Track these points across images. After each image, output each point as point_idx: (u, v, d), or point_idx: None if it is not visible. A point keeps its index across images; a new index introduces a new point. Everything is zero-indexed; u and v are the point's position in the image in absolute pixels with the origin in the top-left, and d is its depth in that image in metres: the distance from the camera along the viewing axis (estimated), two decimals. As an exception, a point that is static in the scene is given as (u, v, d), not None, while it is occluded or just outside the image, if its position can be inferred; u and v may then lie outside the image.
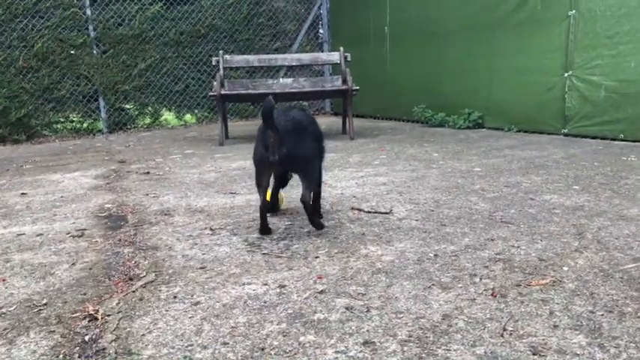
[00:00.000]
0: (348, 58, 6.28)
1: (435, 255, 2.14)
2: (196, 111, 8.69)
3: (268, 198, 2.81)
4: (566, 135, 5.49)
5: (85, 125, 8.04)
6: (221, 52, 6.35)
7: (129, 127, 8.18)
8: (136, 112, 8.36)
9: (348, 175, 3.88)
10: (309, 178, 2.42)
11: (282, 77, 7.75)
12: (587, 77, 5.25)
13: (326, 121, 8.43)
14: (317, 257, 2.16)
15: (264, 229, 2.49)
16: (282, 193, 2.90)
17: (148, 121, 8.41)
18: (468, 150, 4.85)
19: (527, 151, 4.65)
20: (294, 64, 6.83)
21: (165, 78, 8.22)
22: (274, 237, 2.46)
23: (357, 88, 5.96)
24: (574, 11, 5.29)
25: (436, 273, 1.94)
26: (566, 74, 5.44)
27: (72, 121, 8.04)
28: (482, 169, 3.94)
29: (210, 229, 2.62)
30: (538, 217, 2.62)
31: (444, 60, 6.96)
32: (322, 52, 8.91)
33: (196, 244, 2.41)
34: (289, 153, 2.30)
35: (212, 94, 5.93)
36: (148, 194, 3.51)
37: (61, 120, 7.96)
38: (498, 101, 6.28)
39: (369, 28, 8.23)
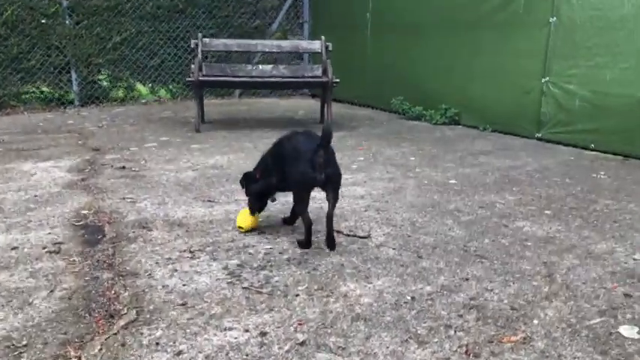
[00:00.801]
0: (330, 48, 6.20)
1: (412, 298, 2.20)
2: (171, 87, 8.53)
3: (250, 224, 2.87)
4: (539, 139, 5.61)
5: (55, 96, 7.81)
6: (200, 34, 6.21)
7: (101, 100, 7.98)
8: (110, 85, 8.14)
9: (327, 182, 3.90)
10: (337, 197, 2.59)
11: (260, 62, 7.63)
12: (563, 85, 5.34)
13: (304, 105, 8.40)
14: (297, 295, 2.20)
15: (309, 244, 2.67)
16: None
17: (121, 94, 8.22)
18: (444, 154, 4.92)
19: (502, 159, 4.74)
20: (274, 50, 6.73)
21: (140, 52, 8.01)
22: (254, 265, 2.49)
23: (337, 80, 5.92)
24: (554, 18, 5.34)
25: (413, 322, 2.01)
26: (543, 80, 5.51)
27: (42, 92, 7.80)
28: (457, 181, 4.01)
29: (190, 252, 2.63)
30: (511, 251, 2.71)
31: (424, 53, 6.95)
32: (302, 32, 8.79)
33: (176, 270, 2.42)
34: (334, 172, 2.51)
35: (190, 79, 5.82)
36: (124, 198, 3.47)
37: (31, 90, 7.72)
38: (475, 99, 6.34)
39: (351, 11, 8.13)
